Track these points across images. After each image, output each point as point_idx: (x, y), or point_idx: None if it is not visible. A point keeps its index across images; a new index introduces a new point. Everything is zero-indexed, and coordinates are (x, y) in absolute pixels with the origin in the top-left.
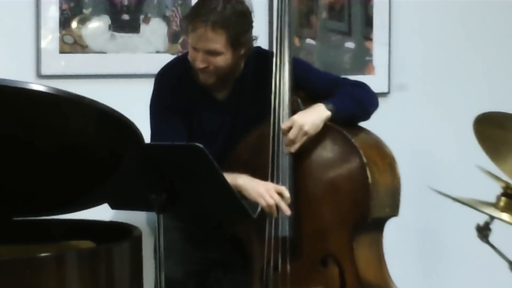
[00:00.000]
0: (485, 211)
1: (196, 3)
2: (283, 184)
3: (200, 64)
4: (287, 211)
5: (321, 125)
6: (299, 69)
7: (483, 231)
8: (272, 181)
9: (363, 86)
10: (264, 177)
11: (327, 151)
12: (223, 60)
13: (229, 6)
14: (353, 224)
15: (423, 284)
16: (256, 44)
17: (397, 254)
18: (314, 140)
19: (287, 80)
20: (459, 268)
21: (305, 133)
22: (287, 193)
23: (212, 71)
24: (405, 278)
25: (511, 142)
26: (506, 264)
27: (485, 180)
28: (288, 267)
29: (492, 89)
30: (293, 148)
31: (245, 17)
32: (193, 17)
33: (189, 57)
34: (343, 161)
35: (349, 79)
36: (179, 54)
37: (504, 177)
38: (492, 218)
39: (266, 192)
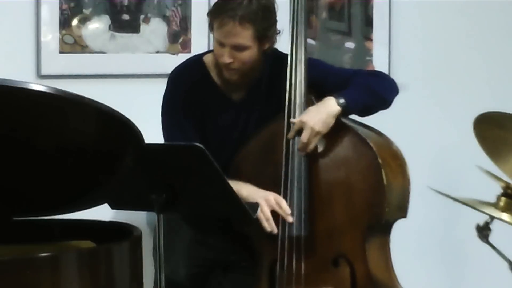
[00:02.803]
0: (485, 211)
1: None
2: (297, 185)
3: (226, 59)
4: (289, 218)
5: (333, 121)
6: (316, 69)
7: (483, 231)
8: (286, 180)
9: (378, 74)
10: (276, 176)
11: (342, 151)
12: (249, 54)
13: (254, 1)
14: (367, 225)
15: (423, 283)
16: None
17: (397, 254)
18: (330, 140)
19: (302, 79)
20: (459, 268)
21: (317, 133)
22: (285, 205)
23: (238, 66)
24: (406, 277)
25: (511, 142)
26: (506, 264)
27: (485, 180)
28: (301, 266)
29: (493, 89)
30: (309, 149)
31: (270, 11)
32: (220, 13)
33: (215, 53)
34: (358, 162)
35: (364, 70)
36: (179, 54)
37: (504, 177)
38: (492, 218)
39: (265, 204)
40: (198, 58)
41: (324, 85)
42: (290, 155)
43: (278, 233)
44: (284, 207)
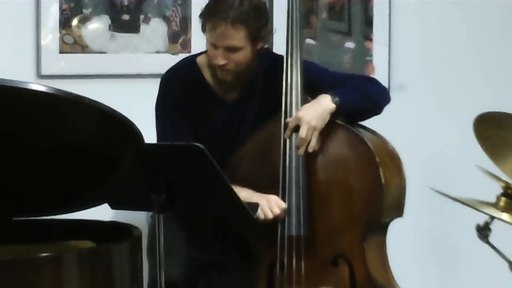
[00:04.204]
0: (485, 211)
1: (212, 1)
2: (296, 185)
3: (220, 61)
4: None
5: (328, 117)
6: (310, 71)
7: (483, 231)
8: (284, 180)
9: (372, 79)
10: (274, 176)
11: (340, 150)
12: (242, 55)
13: (246, 2)
14: (366, 224)
15: (424, 284)
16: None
17: (397, 254)
18: (327, 139)
19: (298, 80)
20: (459, 268)
21: (314, 128)
22: (283, 205)
23: (232, 67)
24: (405, 278)
25: (511, 142)
26: (506, 264)
27: (485, 180)
28: (300, 266)
29: (493, 89)
30: (307, 145)
31: (261, 11)
32: (212, 15)
33: (208, 55)
34: (356, 161)
35: (358, 74)
36: (179, 54)
37: (504, 177)
38: (492, 218)
39: (266, 205)
40: (191, 59)
41: (319, 87)
42: (288, 156)
43: (277, 233)
44: (282, 208)
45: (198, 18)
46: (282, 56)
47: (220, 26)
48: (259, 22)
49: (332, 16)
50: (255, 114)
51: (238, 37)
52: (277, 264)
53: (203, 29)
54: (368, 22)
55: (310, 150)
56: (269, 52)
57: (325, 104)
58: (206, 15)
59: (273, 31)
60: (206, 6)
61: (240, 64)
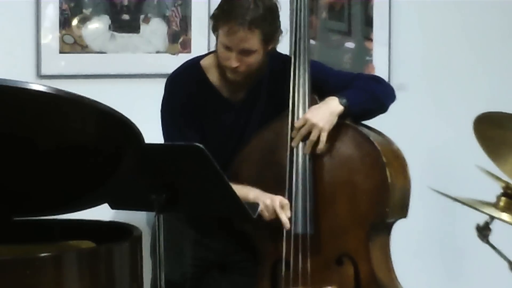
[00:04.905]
0: (485, 211)
1: (225, 3)
2: (302, 184)
3: (234, 64)
4: (287, 223)
5: (336, 119)
6: (315, 70)
7: (483, 231)
8: (290, 179)
9: (378, 79)
10: (279, 175)
11: (346, 150)
12: (255, 58)
13: (260, 3)
14: (371, 224)
15: (424, 283)
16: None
17: (397, 254)
18: (334, 139)
19: (305, 80)
20: (459, 268)
21: (321, 130)
22: (287, 209)
23: (244, 69)
24: (406, 278)
25: (511, 142)
26: (506, 264)
27: (485, 180)
28: (305, 265)
29: (492, 89)
30: (314, 146)
31: (275, 13)
32: (228, 19)
33: (219, 56)
34: (363, 161)
35: (364, 74)
36: (179, 54)
37: (504, 177)
38: (492, 218)
39: (270, 204)
40: (195, 61)
41: (325, 86)
42: (294, 155)
43: (283, 232)
44: (287, 214)
45: (207, 17)
46: (287, 56)
47: (239, 31)
48: (274, 25)
49: (332, 16)
50: (261, 115)
51: (254, 40)
52: (281, 263)
53: (215, 31)
54: (368, 22)
55: (318, 151)
56: (275, 52)
57: (333, 106)
58: (222, 18)
59: (283, 32)
60: (220, 7)
61: (252, 66)
